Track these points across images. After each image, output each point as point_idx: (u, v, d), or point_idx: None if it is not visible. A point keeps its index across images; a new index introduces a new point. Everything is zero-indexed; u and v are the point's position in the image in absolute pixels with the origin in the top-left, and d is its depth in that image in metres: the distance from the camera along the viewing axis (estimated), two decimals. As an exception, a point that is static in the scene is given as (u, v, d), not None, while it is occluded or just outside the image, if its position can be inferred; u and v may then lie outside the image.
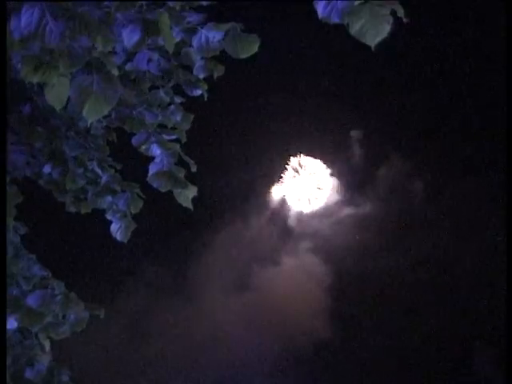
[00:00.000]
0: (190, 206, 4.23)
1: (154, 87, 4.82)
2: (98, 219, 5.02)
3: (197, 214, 20.85)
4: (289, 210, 21.46)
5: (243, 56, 3.86)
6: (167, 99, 4.86)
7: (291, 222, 21.19)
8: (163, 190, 4.16)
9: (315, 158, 22.27)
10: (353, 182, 22.28)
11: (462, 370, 18.91)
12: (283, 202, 21.51)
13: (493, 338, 16.30)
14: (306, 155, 22.21)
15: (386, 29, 2.92)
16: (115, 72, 3.15)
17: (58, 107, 3.18)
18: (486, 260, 18.40)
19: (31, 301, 4.20)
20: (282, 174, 21.84)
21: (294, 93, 20.68)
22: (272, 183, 21.72)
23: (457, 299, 19.68)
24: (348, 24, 2.93)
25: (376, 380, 19.65)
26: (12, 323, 4.10)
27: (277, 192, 21.59)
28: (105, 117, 4.94)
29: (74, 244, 18.40)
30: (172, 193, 4.26)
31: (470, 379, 18.77)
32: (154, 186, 4.15)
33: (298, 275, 20.62)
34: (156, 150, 4.32)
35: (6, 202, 3.69)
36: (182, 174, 4.24)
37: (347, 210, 21.70)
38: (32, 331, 4.37)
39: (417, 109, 20.37)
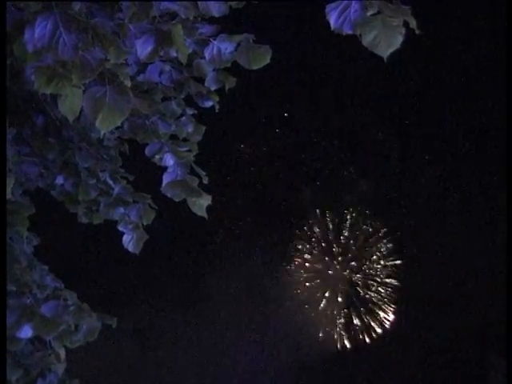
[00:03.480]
0: (205, 215, 4.23)
1: (165, 99, 4.85)
2: (110, 230, 5.04)
3: (209, 225, 20.92)
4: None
5: (256, 67, 3.88)
6: (179, 110, 4.89)
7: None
8: (177, 199, 4.16)
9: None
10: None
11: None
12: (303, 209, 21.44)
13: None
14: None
15: (398, 40, 2.92)
16: (128, 83, 3.18)
17: (71, 118, 3.20)
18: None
19: (45, 310, 4.22)
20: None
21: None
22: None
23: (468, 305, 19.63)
24: (360, 35, 2.94)
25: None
26: (27, 331, 4.11)
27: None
28: (117, 128, 4.97)
29: (85, 255, 18.45)
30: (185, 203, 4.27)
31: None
32: (169, 195, 4.15)
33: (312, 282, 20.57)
34: (169, 160, 4.33)
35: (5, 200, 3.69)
36: (195, 183, 4.24)
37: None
38: (46, 340, 4.38)
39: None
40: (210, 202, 4.23)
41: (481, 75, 18.09)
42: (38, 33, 2.87)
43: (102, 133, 3.17)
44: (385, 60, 2.95)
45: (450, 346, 19.52)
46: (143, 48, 3.44)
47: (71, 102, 3.15)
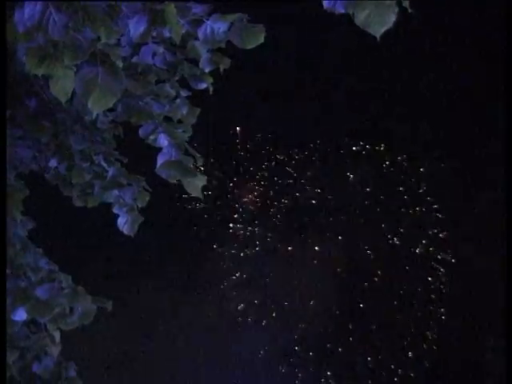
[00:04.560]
0: (200, 195, 4.21)
1: (159, 81, 4.81)
2: (105, 213, 5.03)
3: (210, 210, 20.96)
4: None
5: (249, 46, 3.84)
6: (173, 93, 4.85)
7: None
8: (172, 180, 4.13)
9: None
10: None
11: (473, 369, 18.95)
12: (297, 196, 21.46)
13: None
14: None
15: (391, 19, 2.90)
16: (120, 64, 3.15)
17: (63, 100, 3.17)
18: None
19: (40, 293, 4.21)
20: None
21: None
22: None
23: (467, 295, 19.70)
24: (353, 14, 2.91)
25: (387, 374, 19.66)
26: (21, 314, 4.11)
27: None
28: (111, 111, 4.94)
29: (80, 238, 18.44)
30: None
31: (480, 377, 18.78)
32: (163, 176, 4.11)
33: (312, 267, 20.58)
34: (164, 141, 4.29)
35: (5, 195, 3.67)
36: (190, 163, 4.21)
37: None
38: (41, 323, 4.38)
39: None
40: (205, 183, 4.21)
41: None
42: (27, 12, 2.84)
43: (95, 114, 3.14)
44: (378, 39, 2.93)
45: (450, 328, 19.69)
46: (136, 28, 3.40)
47: (63, 84, 3.12)
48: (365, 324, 20.21)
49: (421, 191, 21.02)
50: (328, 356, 19.93)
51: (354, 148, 21.34)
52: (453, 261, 20.38)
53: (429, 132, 20.46)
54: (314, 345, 19.97)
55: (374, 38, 2.94)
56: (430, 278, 20.44)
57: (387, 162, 21.31)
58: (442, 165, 20.56)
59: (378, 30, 2.90)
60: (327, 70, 20.00)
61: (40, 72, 3.06)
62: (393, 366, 19.74)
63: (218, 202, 21.10)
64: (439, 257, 20.53)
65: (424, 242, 20.75)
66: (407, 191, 21.21)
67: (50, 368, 4.79)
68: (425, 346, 19.92)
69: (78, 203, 5.23)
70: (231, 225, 21.07)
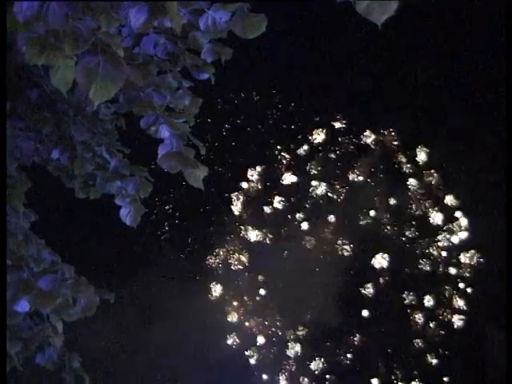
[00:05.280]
0: (201, 187, 4.19)
1: (161, 72, 4.79)
2: (108, 205, 5.02)
3: (212, 199, 20.94)
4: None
5: (251, 36, 3.82)
6: (175, 84, 4.83)
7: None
8: (173, 171, 4.10)
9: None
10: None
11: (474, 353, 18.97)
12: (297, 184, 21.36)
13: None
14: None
15: (392, 6, 2.87)
16: (121, 53, 3.12)
17: (63, 90, 3.15)
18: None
19: (42, 284, 4.20)
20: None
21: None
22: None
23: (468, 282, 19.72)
24: (354, 2, 2.89)
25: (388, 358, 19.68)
26: (24, 305, 4.09)
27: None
28: (113, 102, 4.92)
29: (83, 230, 18.46)
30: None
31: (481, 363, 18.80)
32: (164, 167, 4.09)
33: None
34: (165, 132, 4.27)
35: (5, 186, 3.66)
36: (191, 154, 4.18)
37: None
38: (44, 314, 4.37)
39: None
40: (206, 174, 4.19)
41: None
42: (26, 2, 2.82)
43: (96, 104, 3.11)
44: (379, 27, 2.90)
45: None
46: (137, 18, 3.38)
47: (63, 74, 3.10)
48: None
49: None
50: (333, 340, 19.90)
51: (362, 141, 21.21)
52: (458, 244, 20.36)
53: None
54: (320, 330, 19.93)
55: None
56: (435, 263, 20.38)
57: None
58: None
59: (380, 18, 2.87)
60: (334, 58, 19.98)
61: (40, 62, 3.05)
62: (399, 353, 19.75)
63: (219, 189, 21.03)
64: (444, 243, 20.48)
65: (428, 228, 20.68)
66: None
67: (53, 359, 4.79)
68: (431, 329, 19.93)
69: (81, 195, 5.21)
70: (233, 211, 21.03)
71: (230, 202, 21.08)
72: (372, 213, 20.74)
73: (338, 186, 21.07)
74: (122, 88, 3.23)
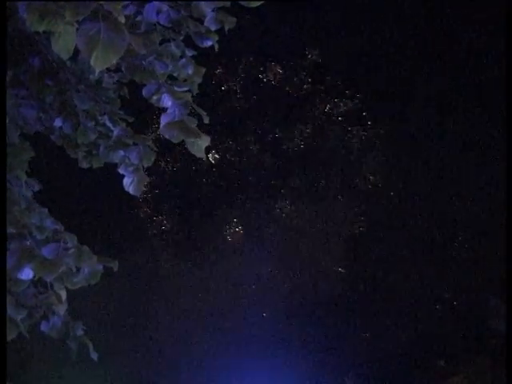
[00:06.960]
0: (204, 156, 4.19)
1: (164, 41, 4.76)
2: (111, 174, 5.02)
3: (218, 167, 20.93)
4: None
5: (254, 5, 3.80)
6: (178, 52, 4.79)
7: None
8: (175, 140, 4.09)
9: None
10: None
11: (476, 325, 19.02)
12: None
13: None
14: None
15: None
16: (122, 19, 3.09)
17: (65, 57, 3.13)
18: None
19: (45, 252, 4.23)
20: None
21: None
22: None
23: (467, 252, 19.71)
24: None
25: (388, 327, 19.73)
26: (27, 273, 4.13)
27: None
28: (116, 71, 4.90)
29: (86, 199, 18.47)
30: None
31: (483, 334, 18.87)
32: (167, 136, 4.07)
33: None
34: (167, 101, 4.23)
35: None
36: (194, 124, 4.17)
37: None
38: (47, 282, 4.40)
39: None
40: (208, 143, 4.17)
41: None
42: (26, -33, 2.79)
43: (98, 71, 3.09)
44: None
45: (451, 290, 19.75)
46: (139, -16, 3.35)
47: (65, 40, 3.08)
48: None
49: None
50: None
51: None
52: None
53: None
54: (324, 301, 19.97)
55: None
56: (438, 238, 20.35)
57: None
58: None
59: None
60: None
61: (41, 29, 3.02)
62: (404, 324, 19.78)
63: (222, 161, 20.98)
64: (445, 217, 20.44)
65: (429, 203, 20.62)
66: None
67: (57, 327, 4.84)
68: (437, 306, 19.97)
69: (84, 165, 5.21)
70: (235, 185, 21.03)
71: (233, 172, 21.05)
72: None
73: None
74: (123, 56, 3.21)
